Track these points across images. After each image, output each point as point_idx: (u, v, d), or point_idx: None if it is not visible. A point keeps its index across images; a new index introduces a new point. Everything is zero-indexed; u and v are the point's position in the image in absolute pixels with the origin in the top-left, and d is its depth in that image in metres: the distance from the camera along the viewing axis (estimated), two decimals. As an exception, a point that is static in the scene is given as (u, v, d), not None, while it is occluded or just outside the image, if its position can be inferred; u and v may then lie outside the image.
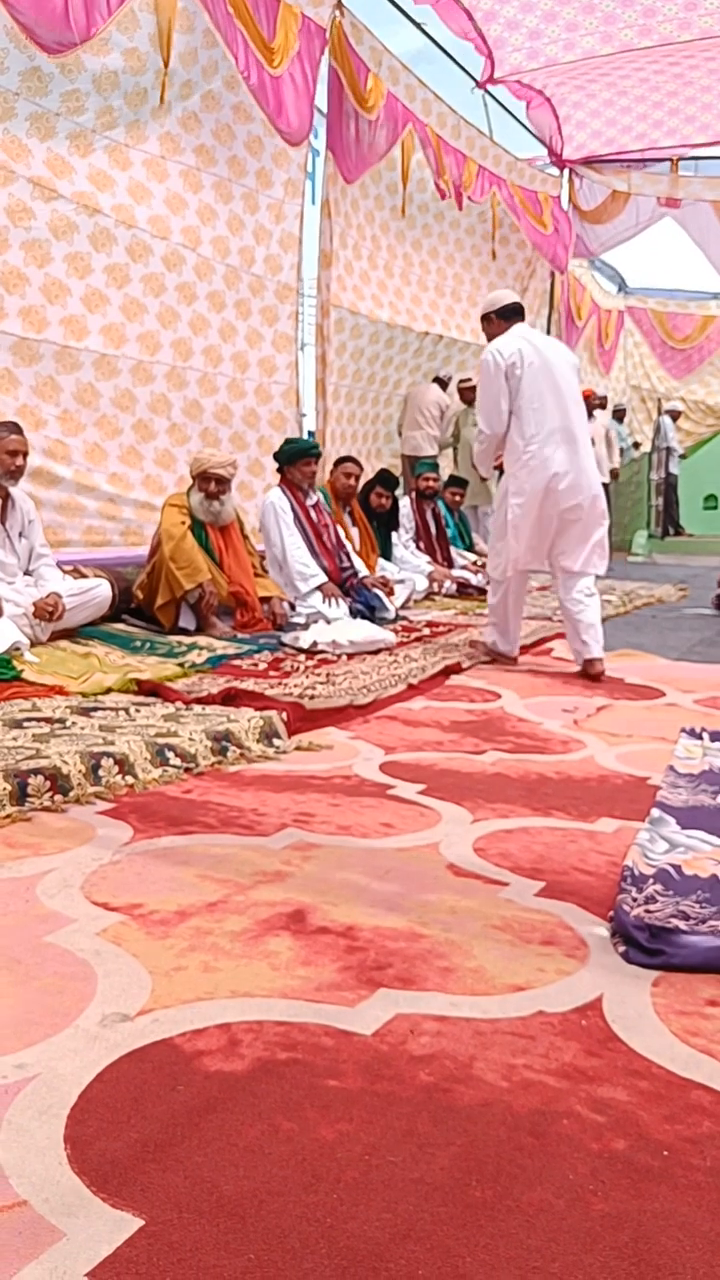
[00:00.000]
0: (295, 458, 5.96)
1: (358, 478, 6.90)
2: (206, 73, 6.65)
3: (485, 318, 5.18)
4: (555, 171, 11.55)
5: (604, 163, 11.60)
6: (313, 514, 5.99)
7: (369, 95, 8.05)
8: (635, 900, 2.08)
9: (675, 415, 14.93)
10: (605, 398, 12.52)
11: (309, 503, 5.99)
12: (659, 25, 8.58)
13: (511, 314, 5.09)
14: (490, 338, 5.11)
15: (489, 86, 9.82)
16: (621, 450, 14.00)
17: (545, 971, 1.84)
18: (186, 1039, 1.58)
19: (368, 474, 7.91)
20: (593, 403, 11.77)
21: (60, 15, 5.52)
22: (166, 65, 6.23)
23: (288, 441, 6.25)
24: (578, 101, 10.60)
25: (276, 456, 6.08)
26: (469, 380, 10.51)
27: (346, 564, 6.01)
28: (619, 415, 15.12)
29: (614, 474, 12.95)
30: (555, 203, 11.34)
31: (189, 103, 6.64)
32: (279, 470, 6.06)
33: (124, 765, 2.95)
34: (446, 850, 2.45)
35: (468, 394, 10.46)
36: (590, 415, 11.67)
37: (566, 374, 4.95)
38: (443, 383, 10.22)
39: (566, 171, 11.67)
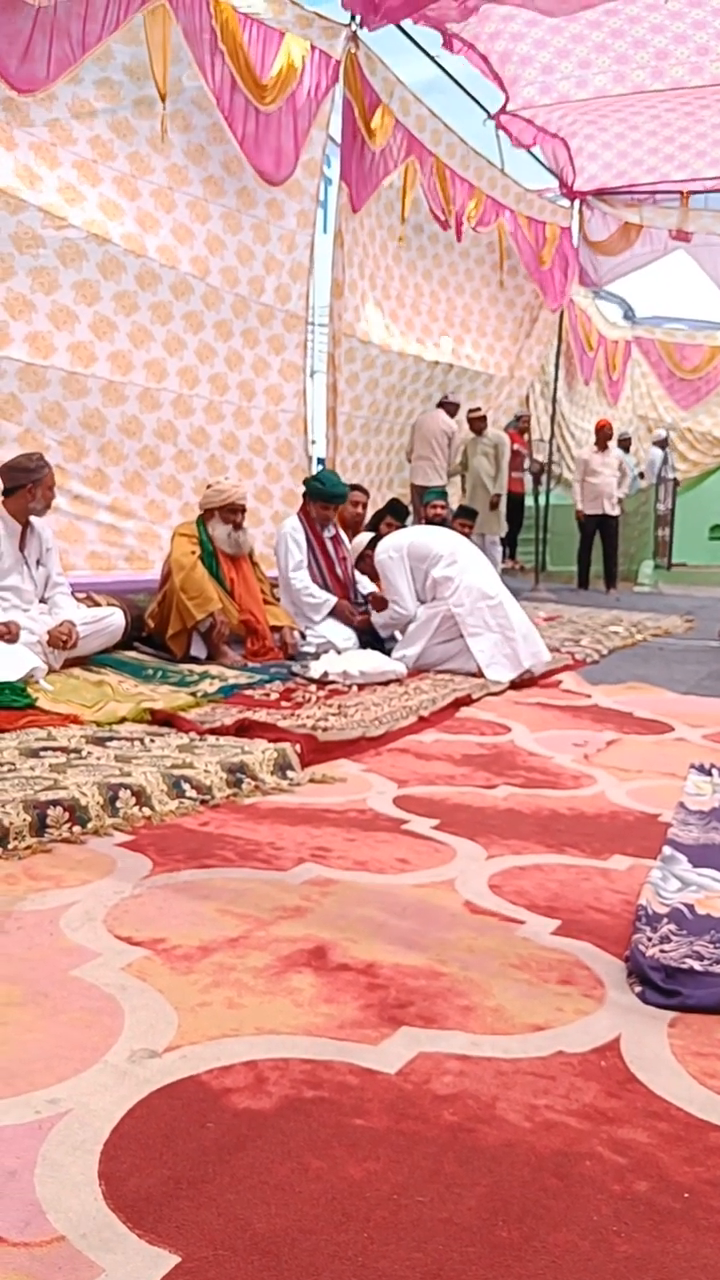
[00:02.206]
0: (319, 497, 5.98)
1: (364, 506, 6.94)
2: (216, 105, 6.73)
3: None
4: (566, 203, 11.64)
5: (615, 195, 11.70)
6: (329, 545, 6.02)
7: (380, 126, 8.16)
8: (650, 940, 2.11)
9: (663, 443, 15.01)
10: (611, 425, 12.58)
11: (326, 535, 6.03)
12: (671, 69, 8.68)
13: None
14: None
15: (502, 118, 9.92)
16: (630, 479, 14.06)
17: (564, 1011, 1.87)
18: (214, 1076, 1.61)
19: (378, 503, 7.96)
20: (608, 433, 11.86)
21: (25, 53, 5.49)
22: (164, 100, 6.30)
23: (322, 478, 6.27)
24: (589, 134, 10.70)
25: (306, 483, 6.14)
26: (478, 410, 10.58)
27: (361, 600, 6.04)
28: (624, 445, 15.21)
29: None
30: (565, 236, 11.43)
31: (195, 135, 6.72)
32: (304, 495, 6.10)
33: (141, 797, 2.99)
34: (462, 887, 2.48)
35: (477, 423, 10.53)
36: (604, 447, 11.77)
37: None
38: (448, 407, 10.25)
39: (577, 203, 11.77)
